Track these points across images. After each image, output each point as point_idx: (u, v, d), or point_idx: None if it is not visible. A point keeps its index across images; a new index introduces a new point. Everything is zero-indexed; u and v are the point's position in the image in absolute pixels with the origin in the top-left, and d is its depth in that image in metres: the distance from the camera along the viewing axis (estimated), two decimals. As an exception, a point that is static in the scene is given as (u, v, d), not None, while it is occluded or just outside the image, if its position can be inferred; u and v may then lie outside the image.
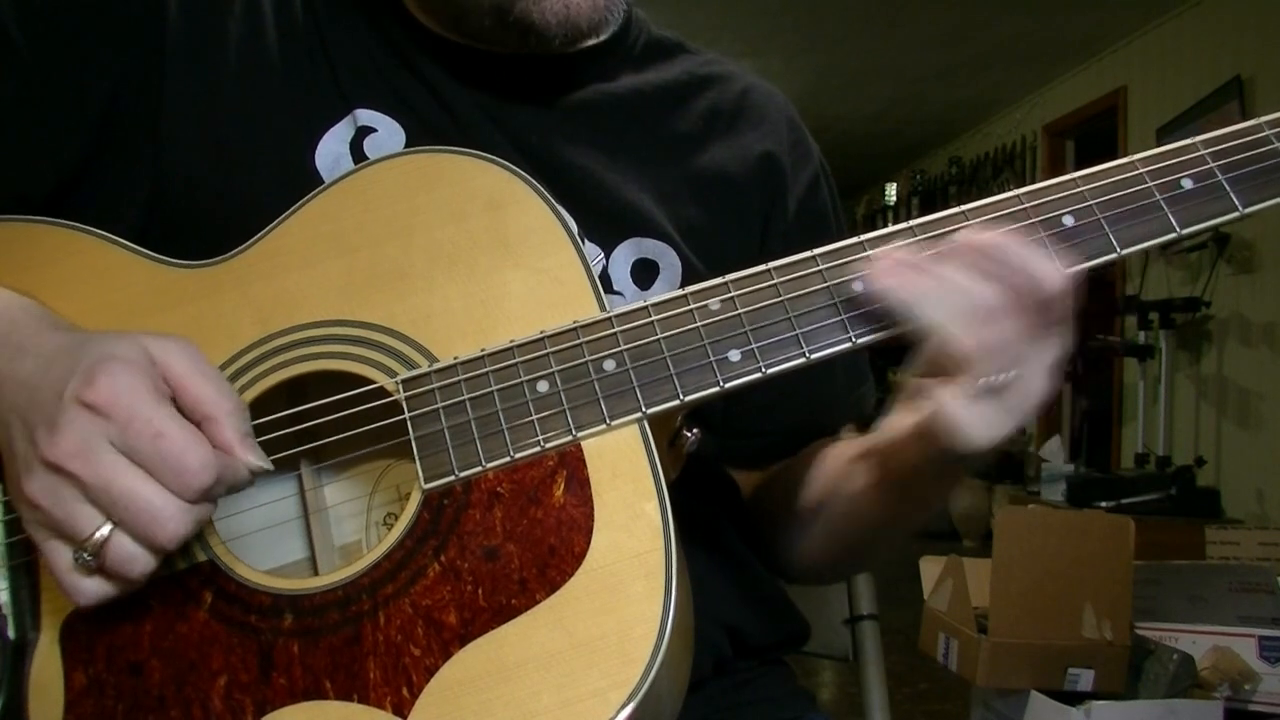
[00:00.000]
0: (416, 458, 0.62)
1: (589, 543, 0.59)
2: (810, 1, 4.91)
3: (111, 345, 0.57)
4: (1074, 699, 1.93)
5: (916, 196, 7.92)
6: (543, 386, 0.62)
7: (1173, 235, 0.64)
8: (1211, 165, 0.65)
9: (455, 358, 0.64)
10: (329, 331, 0.66)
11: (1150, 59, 5.20)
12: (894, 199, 8.40)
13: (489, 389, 0.63)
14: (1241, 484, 4.39)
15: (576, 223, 0.77)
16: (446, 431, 0.62)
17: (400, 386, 0.64)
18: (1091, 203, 0.64)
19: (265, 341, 0.66)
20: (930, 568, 2.35)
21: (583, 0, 0.76)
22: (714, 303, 0.64)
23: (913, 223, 0.64)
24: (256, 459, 0.58)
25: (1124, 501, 4.11)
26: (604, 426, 0.62)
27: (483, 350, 0.64)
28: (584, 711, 0.56)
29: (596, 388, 0.62)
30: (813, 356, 0.62)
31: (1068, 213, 0.64)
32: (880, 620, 1.12)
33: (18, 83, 0.73)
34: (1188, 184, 0.64)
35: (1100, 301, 5.82)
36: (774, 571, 0.91)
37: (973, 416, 0.61)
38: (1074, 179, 0.65)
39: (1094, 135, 5.94)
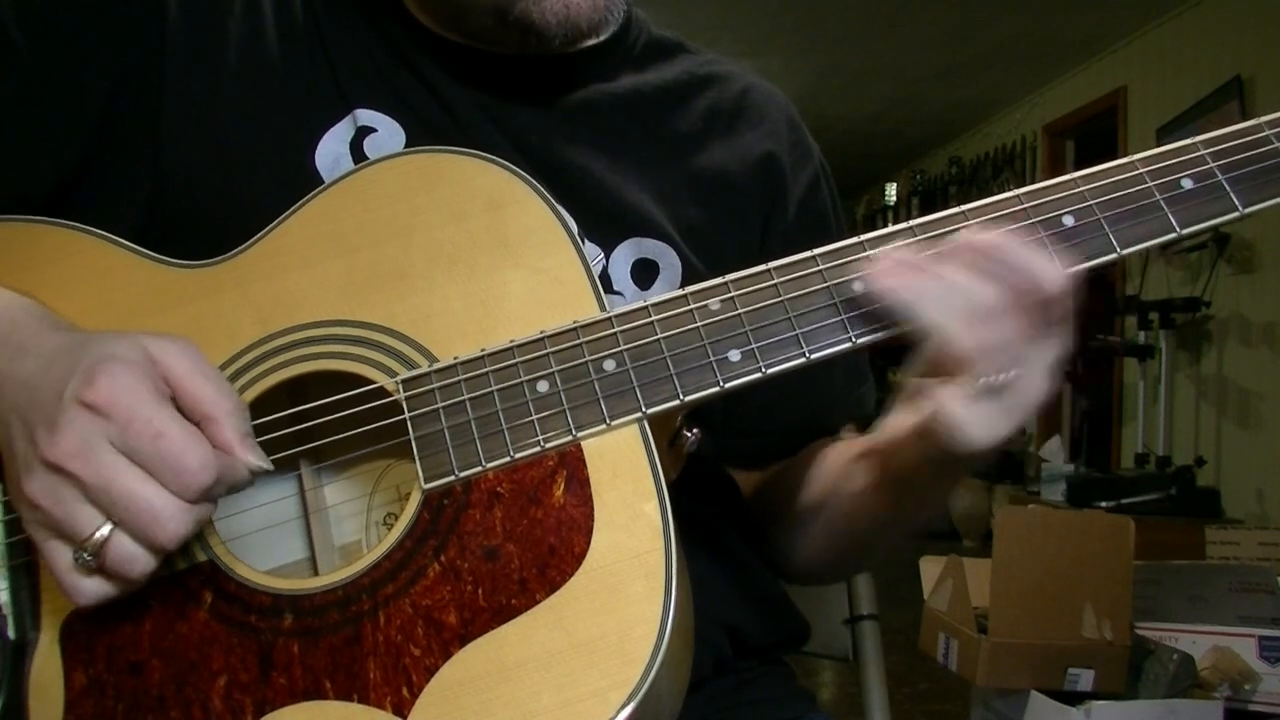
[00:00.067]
0: (416, 458, 0.62)
1: (589, 543, 0.59)
2: (810, 1, 4.91)
3: (111, 345, 0.57)
4: (1074, 699, 1.93)
5: (916, 196, 7.92)
6: (543, 386, 0.62)
7: (1173, 235, 0.64)
8: (1211, 165, 0.65)
9: (455, 358, 0.64)
10: (329, 331, 0.66)
11: (1150, 59, 5.20)
12: (894, 199, 8.40)
13: (489, 389, 0.63)
14: (1241, 484, 4.39)
15: (576, 223, 0.77)
16: (446, 431, 0.62)
17: (400, 386, 0.64)
18: (1091, 203, 0.64)
19: (265, 341, 0.66)
20: (930, 568, 2.35)
21: (583, 0, 0.76)
22: (714, 303, 0.64)
23: (913, 223, 0.64)
24: (256, 459, 0.57)
25: (1124, 501, 4.11)
26: (604, 426, 0.62)
27: (483, 350, 0.64)
28: (584, 711, 0.56)
29: (596, 388, 0.62)
30: (813, 356, 0.62)
31: (1068, 213, 0.64)
32: (880, 620, 1.12)
33: (18, 83, 0.73)
34: (1188, 184, 0.64)
35: (1100, 301, 5.81)
36: (774, 571, 0.91)
37: (972, 416, 0.61)
38: (1074, 179, 0.65)
39: (1094, 135, 5.94)
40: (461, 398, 0.63)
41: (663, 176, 0.85)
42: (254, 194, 0.74)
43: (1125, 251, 0.64)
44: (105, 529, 0.54)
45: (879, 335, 0.63)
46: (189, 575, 0.62)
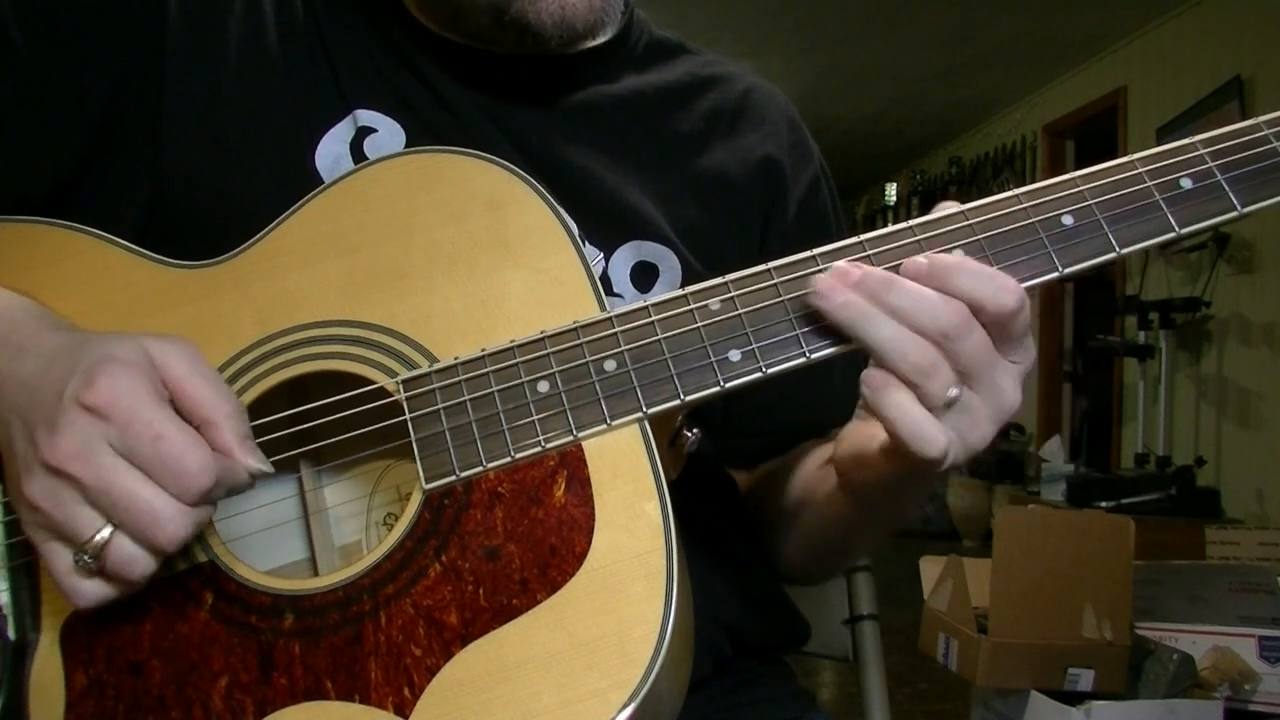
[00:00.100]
0: (417, 458, 0.62)
1: (590, 543, 0.59)
2: (810, 1, 4.91)
3: (111, 346, 0.57)
4: (1074, 699, 1.93)
5: (916, 196, 7.92)
6: (543, 386, 0.62)
7: (1172, 235, 0.64)
8: (1210, 165, 0.65)
9: (456, 358, 0.64)
10: (329, 332, 0.66)
11: (1150, 59, 5.20)
12: (894, 199, 8.40)
13: (490, 389, 0.63)
14: (1241, 484, 4.39)
15: (576, 224, 0.77)
16: (447, 432, 0.62)
17: (401, 387, 0.64)
18: (1091, 202, 0.64)
19: (265, 342, 0.66)
20: (930, 568, 2.35)
21: (579, 1, 0.76)
22: (714, 303, 0.64)
23: (912, 222, 0.64)
24: (256, 462, 0.58)
25: (1124, 501, 4.11)
26: (604, 426, 0.62)
27: (483, 350, 0.64)
28: (584, 712, 0.56)
29: (597, 388, 0.62)
30: (813, 356, 0.62)
31: (1067, 212, 0.64)
32: (880, 620, 1.12)
33: (18, 83, 0.73)
34: (1187, 184, 0.64)
35: (1100, 301, 5.83)
36: (771, 570, 0.91)
37: (935, 432, 0.59)
38: (1073, 179, 0.65)
39: (1094, 135, 5.94)
40: (462, 398, 0.63)
41: (663, 178, 0.85)
42: (254, 194, 0.74)
43: (1124, 251, 0.64)
44: (106, 531, 0.54)
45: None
46: (189, 576, 0.62)
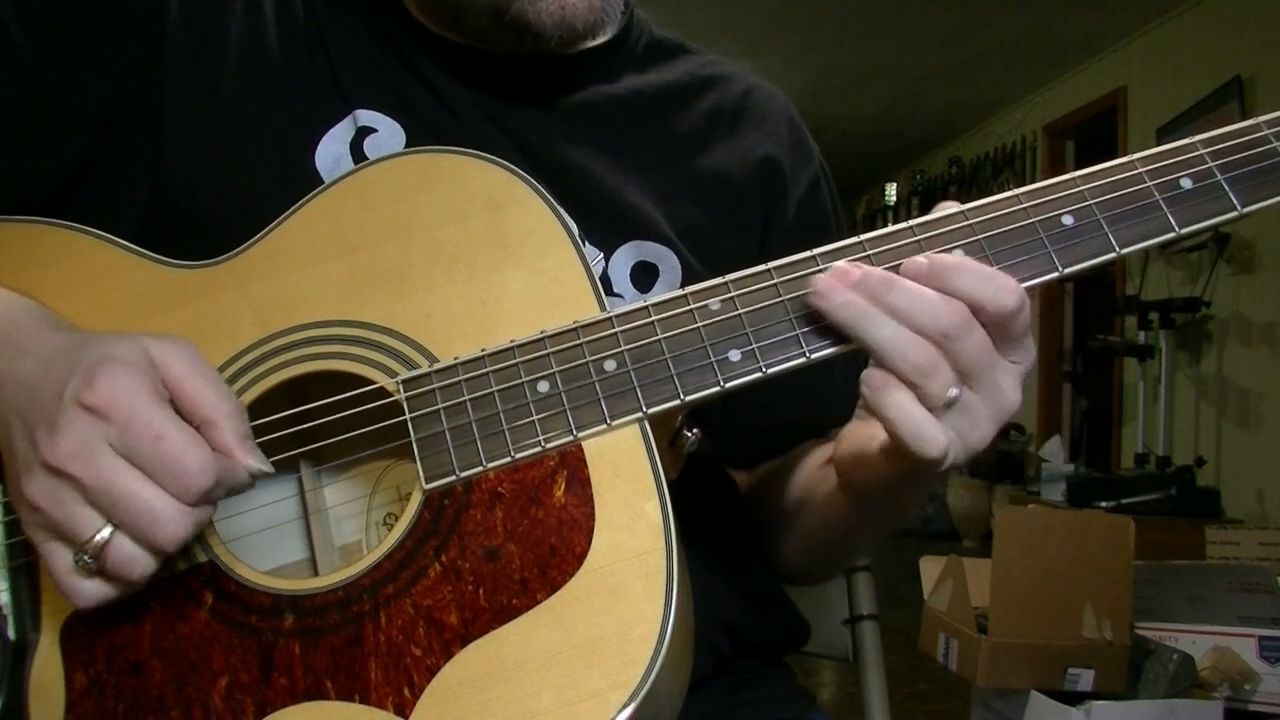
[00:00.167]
0: (417, 458, 0.62)
1: (590, 543, 0.59)
2: (810, 1, 4.91)
3: (111, 346, 0.57)
4: (1074, 699, 1.93)
5: (916, 196, 7.93)
6: (543, 386, 0.63)
7: (1172, 235, 0.64)
8: (1210, 165, 0.65)
9: (455, 358, 0.64)
10: (329, 332, 0.66)
11: (1150, 59, 5.20)
12: (894, 199, 8.40)
13: (490, 389, 0.63)
14: (1241, 484, 4.39)
15: (576, 224, 0.77)
16: (447, 432, 0.62)
17: (401, 387, 0.64)
18: (1091, 202, 0.64)
19: (265, 342, 0.66)
20: (930, 568, 2.35)
21: (579, 1, 0.76)
22: (714, 303, 0.64)
23: (913, 222, 0.64)
24: (256, 462, 0.57)
25: (1124, 501, 4.11)
26: (604, 426, 0.62)
27: (483, 350, 0.64)
28: (584, 712, 0.56)
29: (597, 388, 0.62)
30: (813, 356, 0.62)
31: (1067, 212, 0.64)
32: (880, 620, 1.12)
33: (18, 82, 0.73)
34: (1187, 184, 0.64)
35: (1100, 301, 5.82)
36: (772, 570, 0.91)
37: (935, 432, 0.59)
38: (1073, 179, 0.65)
39: (1094, 135, 5.94)
40: (462, 398, 0.63)
41: (663, 178, 0.85)
42: (254, 194, 0.74)
43: (1124, 251, 0.64)
44: (106, 531, 0.54)
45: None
46: (189, 576, 0.62)
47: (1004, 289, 0.59)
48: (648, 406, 0.62)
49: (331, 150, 0.77)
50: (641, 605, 0.57)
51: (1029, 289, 0.62)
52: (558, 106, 0.84)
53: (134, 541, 0.54)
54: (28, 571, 0.62)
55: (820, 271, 0.63)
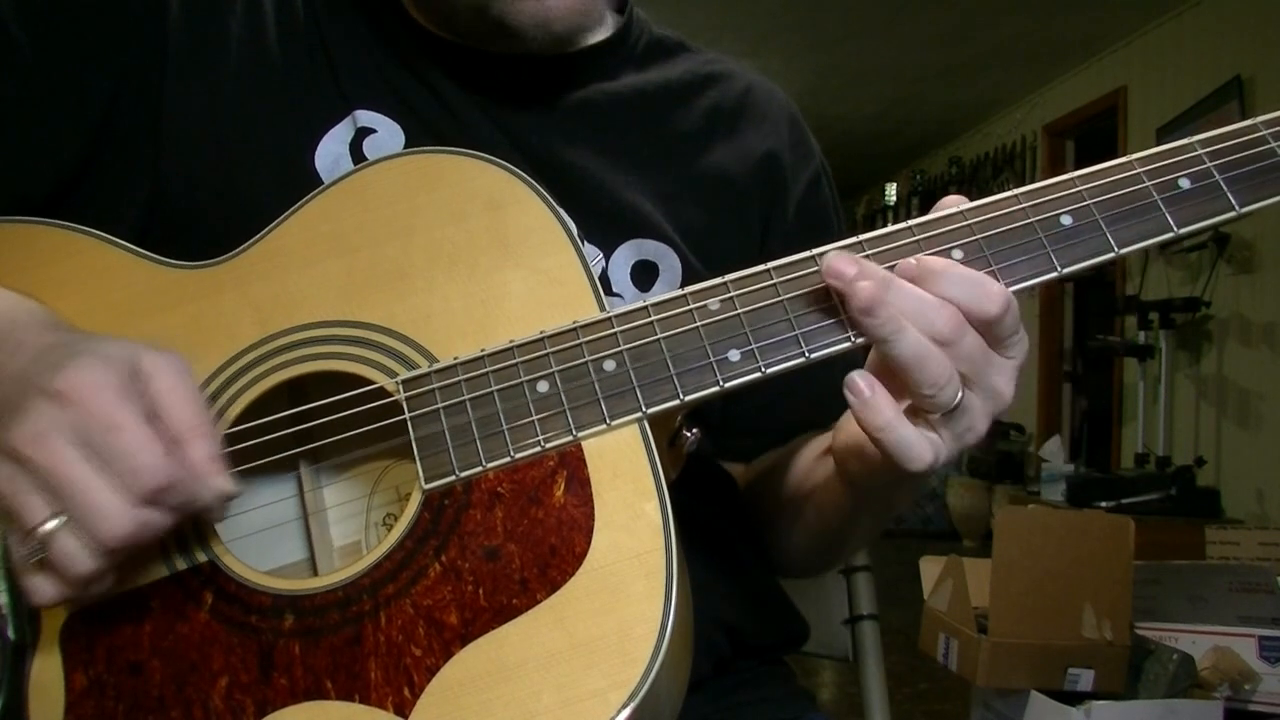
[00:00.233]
0: (417, 458, 0.62)
1: (589, 543, 0.59)
2: (810, 1, 4.91)
3: (101, 345, 0.56)
4: (1074, 699, 1.93)
5: (916, 196, 7.92)
6: (543, 386, 0.63)
7: (1170, 235, 0.64)
8: (1209, 165, 0.65)
9: (455, 358, 0.64)
10: (329, 332, 0.66)
11: (1150, 59, 5.20)
12: (894, 199, 8.40)
13: (489, 389, 0.63)
14: (1241, 484, 4.39)
15: (576, 224, 0.77)
16: (447, 432, 0.62)
17: (400, 387, 0.64)
18: (1089, 202, 0.64)
19: (265, 342, 0.66)
20: (930, 568, 2.35)
21: (559, 5, 0.75)
22: (713, 303, 0.64)
23: (911, 222, 0.64)
24: (222, 482, 0.55)
25: (1124, 501, 4.12)
26: (604, 426, 0.62)
27: (482, 350, 0.64)
28: (584, 711, 0.56)
29: (596, 388, 0.62)
30: (812, 356, 0.62)
31: (1065, 212, 0.64)
32: (880, 620, 1.12)
33: (18, 82, 0.74)
34: (1185, 184, 0.65)
35: (1100, 301, 5.83)
36: (771, 565, 0.91)
37: (921, 449, 0.60)
38: (1072, 179, 0.65)
39: (1094, 135, 5.94)
40: (462, 398, 0.63)
41: (664, 177, 0.85)
42: (254, 194, 0.74)
43: (1123, 251, 0.64)
44: (53, 522, 0.52)
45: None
46: (189, 576, 0.62)
47: (987, 295, 0.59)
48: (647, 406, 0.62)
49: (331, 151, 0.77)
50: (641, 605, 0.58)
51: (1028, 289, 0.63)
52: (558, 106, 0.84)
53: (77, 536, 0.53)
54: (28, 571, 0.62)
55: (819, 271, 0.62)
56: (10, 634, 0.61)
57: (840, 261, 0.60)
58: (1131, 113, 5.35)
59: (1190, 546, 3.15)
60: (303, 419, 0.65)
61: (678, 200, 0.85)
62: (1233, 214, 0.64)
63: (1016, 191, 0.65)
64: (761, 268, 0.64)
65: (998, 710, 2.07)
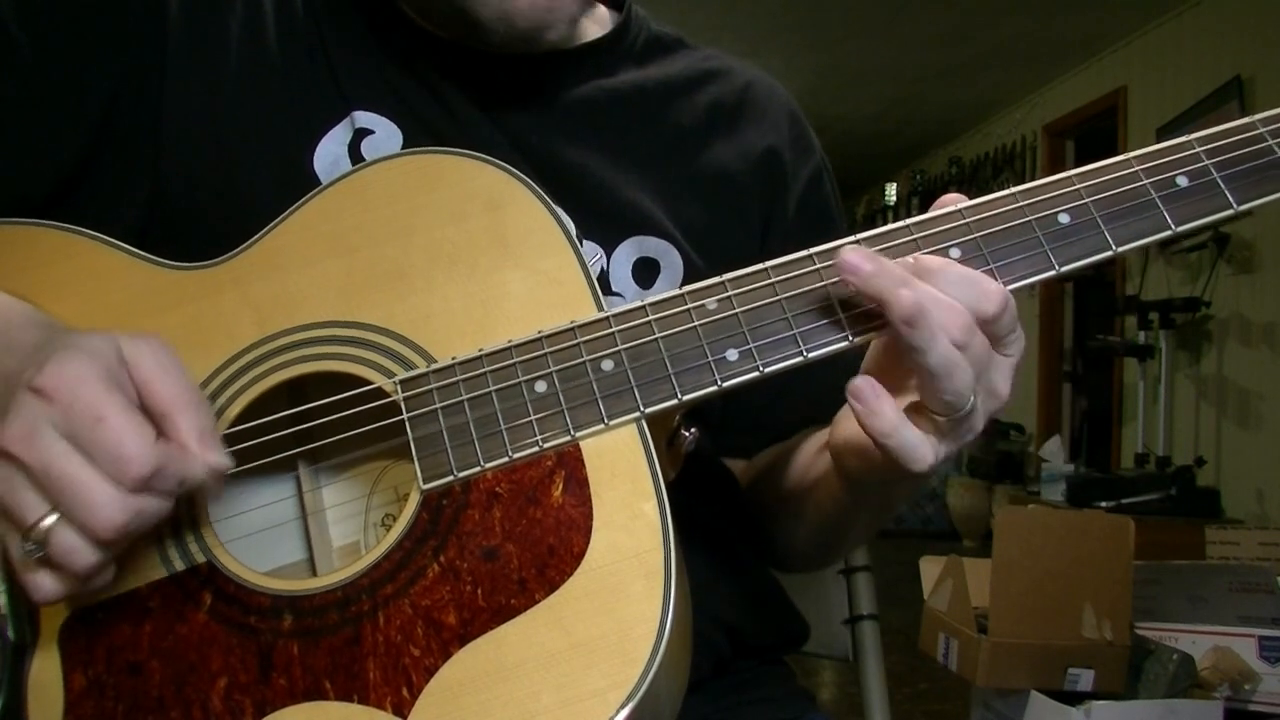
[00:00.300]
0: (415, 458, 0.62)
1: (588, 543, 0.59)
2: (810, 1, 4.91)
3: (81, 339, 0.56)
4: (1074, 699, 1.93)
5: (916, 196, 7.92)
6: (541, 387, 0.63)
7: (1168, 233, 0.64)
8: (1206, 163, 0.65)
9: (453, 358, 0.64)
10: (328, 332, 0.66)
11: (1150, 59, 5.21)
12: (894, 199, 8.40)
13: (487, 389, 0.63)
14: (1241, 484, 4.39)
15: (577, 222, 0.77)
16: (445, 432, 0.62)
17: (398, 387, 0.64)
18: (1087, 200, 0.64)
19: (264, 342, 0.66)
20: (930, 568, 2.35)
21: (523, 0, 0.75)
22: (711, 302, 0.64)
23: (909, 221, 0.64)
24: (216, 456, 0.55)
25: (1124, 501, 4.12)
26: (602, 426, 0.62)
27: (480, 351, 0.64)
28: (583, 711, 0.56)
29: (594, 388, 0.62)
30: (810, 355, 0.62)
31: (1063, 211, 0.64)
32: (880, 620, 1.12)
33: (18, 82, 0.74)
34: (1183, 181, 0.65)
35: (1100, 301, 5.83)
36: (773, 562, 0.91)
37: (924, 451, 0.60)
38: (1070, 177, 0.65)
39: (1094, 135, 5.94)
40: (460, 398, 0.63)
41: (664, 174, 0.85)
42: (253, 195, 0.74)
43: (1121, 249, 0.64)
44: (50, 518, 0.52)
45: (876, 333, 0.63)
46: (188, 576, 0.62)
47: (985, 294, 0.59)
48: (645, 406, 0.62)
49: (330, 152, 0.77)
50: (640, 605, 0.58)
51: (1026, 288, 0.63)
52: (557, 104, 0.84)
53: (74, 529, 0.53)
54: (27, 572, 0.62)
55: (817, 270, 0.62)
56: (10, 634, 0.61)
57: (856, 256, 0.59)
58: (1131, 113, 5.35)
59: (1190, 546, 3.15)
60: (302, 419, 0.65)
61: (678, 197, 0.85)
62: (1230, 212, 0.64)
63: (1014, 190, 0.65)
64: (759, 267, 0.64)
65: (998, 710, 2.07)
